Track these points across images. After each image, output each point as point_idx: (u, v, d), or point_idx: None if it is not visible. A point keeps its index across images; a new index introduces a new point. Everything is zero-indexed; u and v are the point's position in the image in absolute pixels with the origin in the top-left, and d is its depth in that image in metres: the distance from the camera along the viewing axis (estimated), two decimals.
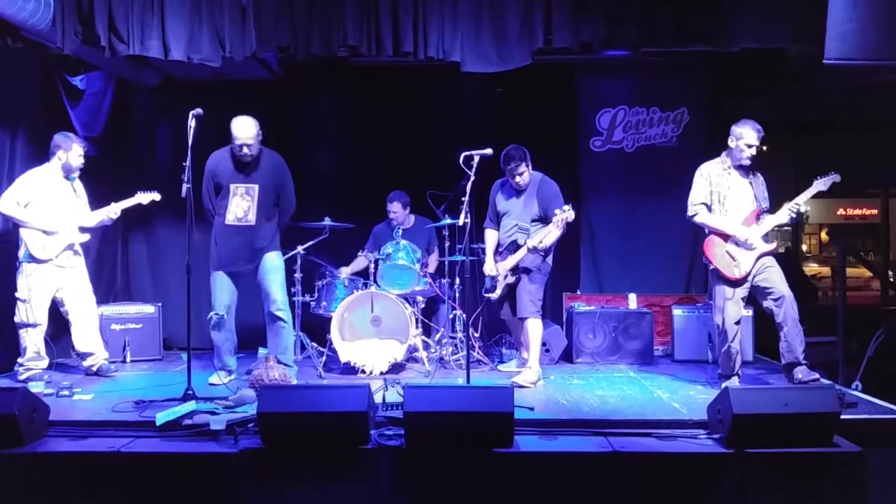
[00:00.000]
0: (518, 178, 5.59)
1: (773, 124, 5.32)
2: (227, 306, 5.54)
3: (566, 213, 5.31)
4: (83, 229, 5.84)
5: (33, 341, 5.61)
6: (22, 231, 5.57)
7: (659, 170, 7.47)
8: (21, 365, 5.61)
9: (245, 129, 5.31)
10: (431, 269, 6.77)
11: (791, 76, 6.68)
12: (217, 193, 5.53)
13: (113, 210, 5.90)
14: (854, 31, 5.12)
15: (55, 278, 5.69)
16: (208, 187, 5.54)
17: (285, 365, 5.44)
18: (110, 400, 4.92)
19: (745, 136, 5.15)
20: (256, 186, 5.44)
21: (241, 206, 5.45)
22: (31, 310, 5.57)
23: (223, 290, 5.52)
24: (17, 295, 5.59)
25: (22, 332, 5.60)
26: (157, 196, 5.99)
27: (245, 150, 5.33)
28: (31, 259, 5.58)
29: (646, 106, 7.62)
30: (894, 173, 9.94)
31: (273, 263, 5.57)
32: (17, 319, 5.61)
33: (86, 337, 5.86)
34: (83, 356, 5.90)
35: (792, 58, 6.18)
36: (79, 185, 5.90)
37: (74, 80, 6.56)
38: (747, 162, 5.19)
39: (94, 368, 5.87)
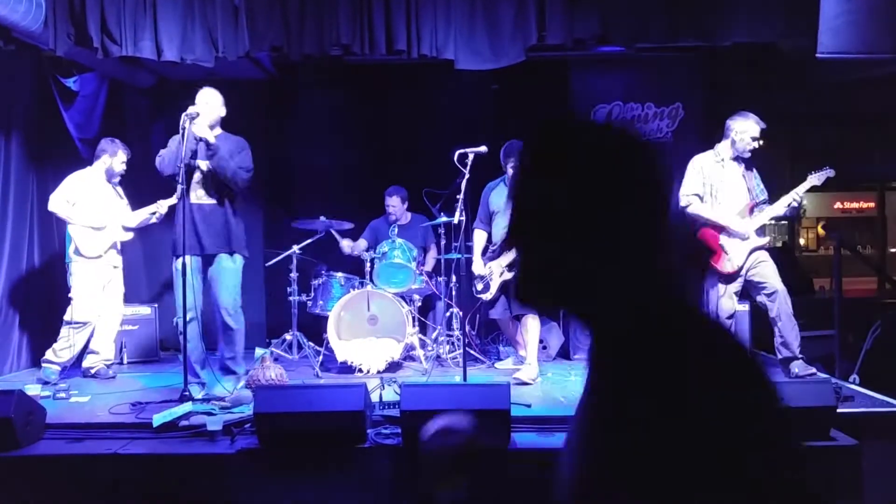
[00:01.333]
0: (513, 170, 5.59)
1: (767, 118, 5.32)
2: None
3: None
4: (126, 229, 6.01)
5: (74, 340, 5.69)
6: (70, 229, 5.73)
7: None
8: (49, 361, 5.64)
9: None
10: (429, 266, 6.77)
11: (785, 70, 6.68)
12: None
13: (159, 207, 6.01)
14: (847, 24, 5.13)
15: (102, 276, 5.84)
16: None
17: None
18: (107, 402, 4.93)
19: (750, 130, 5.17)
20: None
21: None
22: (82, 308, 5.70)
23: None
24: (70, 295, 5.71)
25: (69, 329, 5.67)
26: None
27: None
28: (80, 256, 5.71)
29: (640, 102, 7.60)
30: (891, 166, 9.96)
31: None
32: (66, 317, 5.70)
33: (104, 336, 5.94)
34: (90, 353, 5.92)
35: (785, 52, 6.17)
36: (119, 189, 6.06)
37: (68, 81, 6.54)
38: (748, 154, 5.21)
39: (94, 370, 5.88)
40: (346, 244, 6.77)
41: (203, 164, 5.15)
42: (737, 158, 5.25)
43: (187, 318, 5.03)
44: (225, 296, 5.19)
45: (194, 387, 5.07)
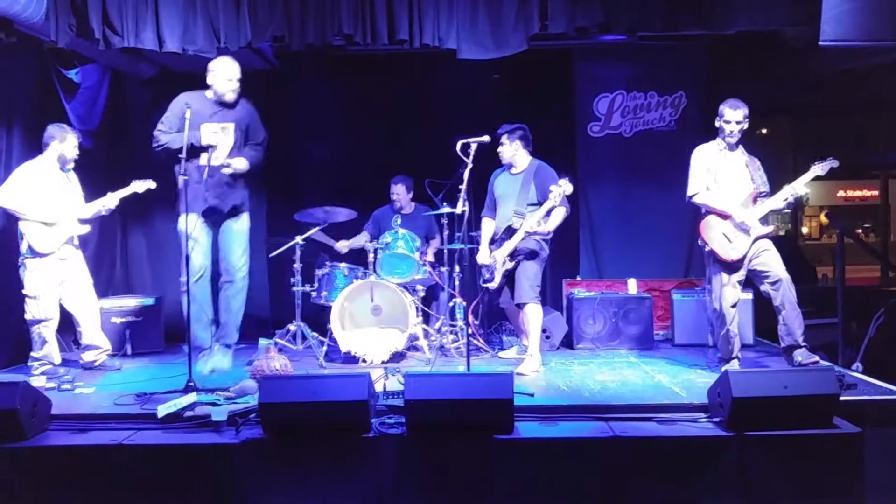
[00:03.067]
0: (501, 151, 5.69)
1: (770, 107, 5.34)
2: None
3: (562, 188, 5.31)
4: (82, 221, 5.81)
5: (46, 337, 5.58)
6: (21, 225, 5.52)
7: (657, 154, 7.45)
8: (36, 360, 5.57)
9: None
10: (430, 256, 6.78)
11: (788, 58, 6.66)
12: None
13: (110, 200, 5.85)
14: (850, 11, 5.11)
15: (58, 271, 5.66)
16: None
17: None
18: (112, 393, 4.94)
19: (725, 114, 5.19)
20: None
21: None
22: (41, 305, 5.54)
23: None
24: (24, 292, 5.55)
25: (34, 328, 5.56)
26: (152, 184, 5.89)
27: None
28: (34, 254, 5.52)
29: (643, 90, 7.60)
30: (894, 154, 9.94)
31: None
32: (27, 317, 5.56)
33: (89, 330, 5.84)
34: (85, 349, 5.88)
35: (788, 40, 6.16)
36: (73, 176, 5.85)
37: (70, 73, 6.54)
38: (732, 139, 5.21)
39: (98, 363, 5.86)
40: (341, 245, 6.79)
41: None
42: (736, 146, 5.25)
43: (196, 278, 5.28)
44: (234, 258, 5.48)
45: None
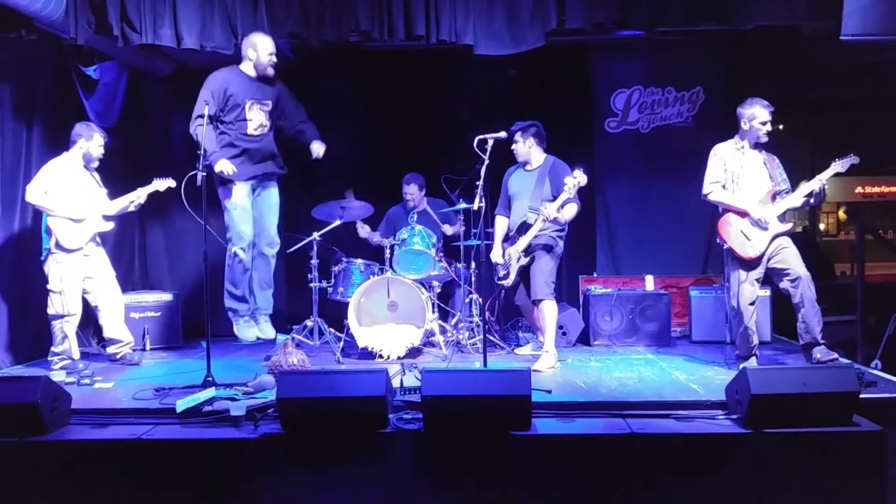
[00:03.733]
0: (515, 148, 5.69)
1: (789, 102, 5.29)
2: None
3: (577, 179, 5.30)
4: (107, 218, 5.87)
5: (67, 332, 5.63)
6: (49, 220, 5.58)
7: (674, 150, 7.42)
8: (56, 354, 5.62)
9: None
10: (450, 230, 6.78)
11: (807, 53, 6.61)
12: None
13: (139, 195, 5.95)
14: (872, 5, 5.05)
15: (83, 267, 5.72)
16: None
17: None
18: (130, 388, 4.97)
19: (758, 115, 5.14)
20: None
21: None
22: (65, 300, 5.60)
23: None
24: (48, 287, 5.61)
25: (56, 323, 5.62)
26: (172, 182, 5.95)
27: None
28: (60, 248, 5.59)
29: (661, 86, 7.56)
30: None
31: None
32: (50, 311, 5.62)
33: (113, 324, 5.91)
34: (109, 343, 5.94)
35: (808, 35, 6.10)
36: (96, 174, 5.92)
37: (88, 70, 6.58)
38: (765, 139, 5.17)
39: (119, 356, 5.92)
40: (361, 228, 6.83)
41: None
42: (756, 146, 5.21)
43: (245, 246, 5.83)
44: (273, 229, 6.08)
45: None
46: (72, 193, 5.65)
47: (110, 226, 5.91)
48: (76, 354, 5.72)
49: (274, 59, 5.78)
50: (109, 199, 5.92)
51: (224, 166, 5.68)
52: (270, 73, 5.83)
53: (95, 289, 5.83)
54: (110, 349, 5.94)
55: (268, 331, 6.12)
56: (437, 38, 5.59)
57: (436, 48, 5.89)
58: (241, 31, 5.59)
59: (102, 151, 5.83)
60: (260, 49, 5.70)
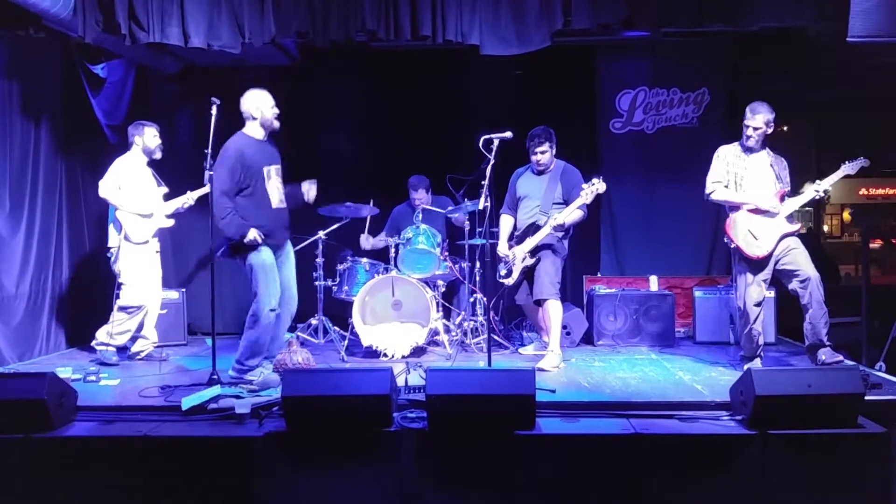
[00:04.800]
0: (538, 157, 5.68)
1: (794, 104, 5.29)
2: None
3: (595, 185, 5.35)
4: (168, 216, 6.08)
5: (141, 323, 5.84)
6: (119, 215, 5.77)
7: (679, 151, 7.42)
8: (104, 344, 5.76)
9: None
10: (458, 214, 6.72)
11: (812, 54, 6.60)
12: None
13: (190, 198, 6.14)
14: (879, 7, 5.03)
15: (150, 259, 5.95)
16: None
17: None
18: (136, 385, 5.00)
19: (745, 117, 5.15)
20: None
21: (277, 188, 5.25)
22: (138, 291, 5.78)
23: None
24: (120, 280, 5.77)
25: (121, 315, 5.75)
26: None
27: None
28: (129, 241, 5.78)
29: (666, 87, 7.56)
30: None
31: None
32: (122, 303, 5.76)
33: (149, 322, 6.03)
34: (139, 338, 6.01)
35: (814, 36, 6.10)
36: (156, 176, 6.08)
37: (96, 68, 6.60)
38: (751, 143, 5.16)
39: (143, 355, 6.01)
40: (366, 241, 6.83)
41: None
42: (761, 146, 5.21)
43: (273, 307, 5.01)
44: (294, 287, 5.33)
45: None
46: (137, 190, 5.85)
47: (171, 222, 6.13)
48: (153, 338, 6.01)
49: (277, 110, 5.19)
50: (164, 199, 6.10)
51: (254, 234, 4.99)
52: (276, 127, 5.20)
53: (153, 283, 6.01)
54: (136, 346, 6.01)
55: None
56: (443, 39, 5.59)
57: (442, 48, 5.89)
58: (248, 30, 5.59)
59: (159, 140, 6.00)
60: (263, 105, 5.11)
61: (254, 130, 5.14)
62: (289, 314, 5.31)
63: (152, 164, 6.03)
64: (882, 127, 8.94)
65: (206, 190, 5.82)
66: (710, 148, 5.45)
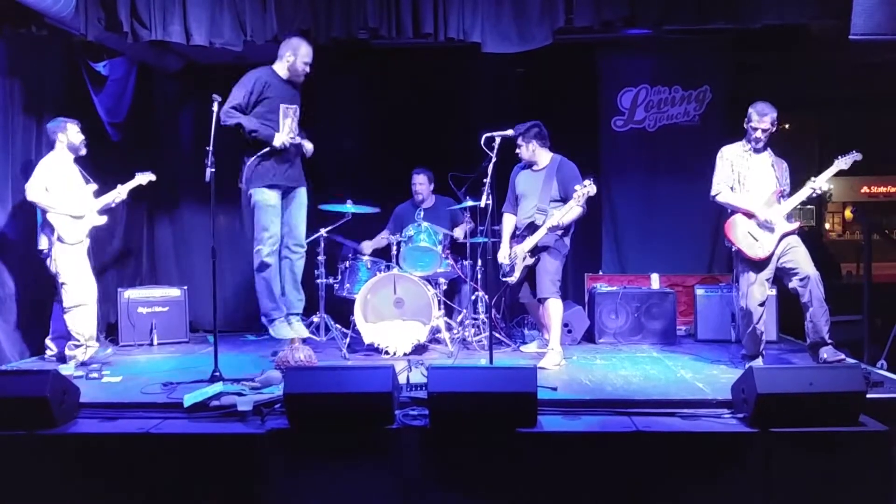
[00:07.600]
0: (520, 152, 5.72)
1: (796, 101, 5.28)
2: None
3: (587, 188, 5.32)
4: (100, 211, 5.92)
5: (86, 321, 5.69)
6: (50, 216, 5.60)
7: (681, 149, 7.43)
8: (77, 347, 5.65)
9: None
10: (459, 233, 6.75)
11: (814, 52, 6.59)
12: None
13: (120, 192, 6.00)
14: (882, 4, 5.03)
15: (84, 258, 5.78)
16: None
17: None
18: (138, 382, 5.00)
19: (752, 119, 5.14)
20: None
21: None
22: (79, 290, 5.67)
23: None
24: (61, 280, 5.65)
25: (70, 314, 5.65)
26: (152, 176, 6.13)
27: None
28: (62, 243, 5.63)
29: (668, 85, 7.56)
30: None
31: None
32: (66, 304, 5.66)
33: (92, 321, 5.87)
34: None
35: (816, 34, 6.09)
36: (83, 173, 5.92)
37: (98, 66, 6.60)
38: (758, 144, 5.16)
39: (85, 357, 5.74)
40: (365, 245, 6.86)
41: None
42: (764, 147, 5.21)
43: (274, 244, 5.53)
44: (301, 230, 5.76)
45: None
46: (65, 190, 5.69)
47: (104, 219, 5.96)
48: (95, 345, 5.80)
49: (308, 69, 5.59)
50: (97, 194, 5.95)
51: (282, 138, 5.47)
52: (300, 81, 5.65)
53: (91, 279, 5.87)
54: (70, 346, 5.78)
55: (301, 330, 5.78)
56: (445, 36, 5.59)
57: (444, 46, 5.89)
58: (251, 27, 5.61)
59: (82, 136, 5.83)
60: (300, 54, 5.52)
61: (280, 68, 5.59)
62: (299, 259, 5.76)
63: (79, 160, 5.87)
64: (884, 124, 8.95)
65: (136, 182, 6.01)
66: (712, 146, 5.45)
